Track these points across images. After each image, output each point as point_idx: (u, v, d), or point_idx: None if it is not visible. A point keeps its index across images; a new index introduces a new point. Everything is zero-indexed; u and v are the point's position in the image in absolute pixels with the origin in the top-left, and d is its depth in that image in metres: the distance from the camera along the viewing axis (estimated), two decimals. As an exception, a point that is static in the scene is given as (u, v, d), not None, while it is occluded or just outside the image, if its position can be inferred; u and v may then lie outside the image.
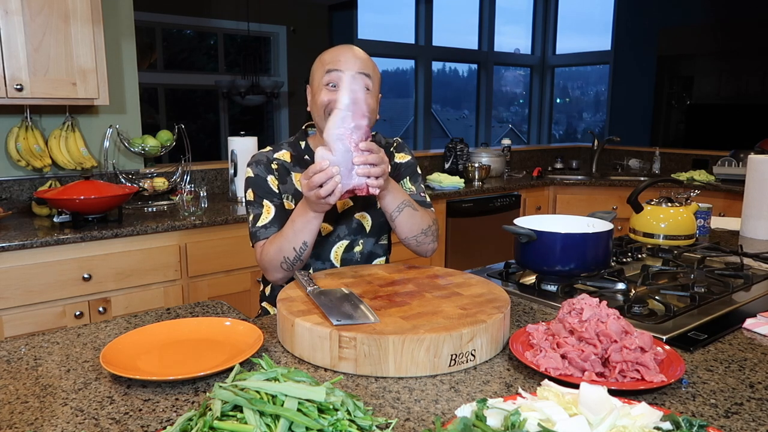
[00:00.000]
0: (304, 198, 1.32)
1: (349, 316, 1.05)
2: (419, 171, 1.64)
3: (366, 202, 1.54)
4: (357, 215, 1.53)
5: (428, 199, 1.61)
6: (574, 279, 1.44)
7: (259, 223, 1.47)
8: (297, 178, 1.50)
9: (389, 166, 1.30)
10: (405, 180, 1.61)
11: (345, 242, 1.53)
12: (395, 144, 1.64)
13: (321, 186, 1.22)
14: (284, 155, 1.54)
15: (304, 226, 1.35)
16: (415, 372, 0.99)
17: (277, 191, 1.50)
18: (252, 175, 1.51)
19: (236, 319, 1.19)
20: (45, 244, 2.15)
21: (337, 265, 1.53)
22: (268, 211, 1.48)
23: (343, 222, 1.52)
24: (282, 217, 1.47)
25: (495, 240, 3.63)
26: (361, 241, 1.54)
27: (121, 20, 2.86)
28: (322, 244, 1.51)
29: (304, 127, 1.60)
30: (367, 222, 1.55)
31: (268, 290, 1.63)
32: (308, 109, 1.50)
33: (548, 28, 8.24)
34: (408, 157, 1.62)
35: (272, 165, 1.51)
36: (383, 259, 1.62)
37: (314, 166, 1.22)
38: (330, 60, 1.42)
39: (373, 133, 1.63)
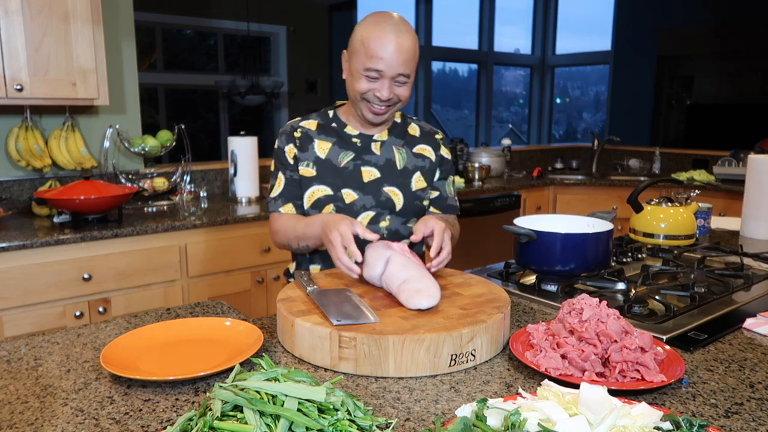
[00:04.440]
0: (327, 221, 1.33)
1: (349, 316, 1.05)
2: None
3: (401, 180, 1.54)
4: (387, 189, 1.53)
5: (457, 203, 1.67)
6: (574, 279, 1.44)
7: (271, 194, 1.56)
8: (320, 146, 1.53)
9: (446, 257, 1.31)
10: (449, 182, 1.64)
11: (371, 213, 1.52)
12: (441, 137, 1.65)
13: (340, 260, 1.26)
14: (311, 124, 1.57)
15: (312, 238, 1.43)
16: (415, 372, 0.99)
17: (291, 162, 1.53)
18: (276, 147, 1.58)
19: (236, 319, 1.19)
20: (45, 244, 2.15)
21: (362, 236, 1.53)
22: (279, 184, 1.55)
23: (370, 193, 1.52)
24: (290, 189, 1.54)
25: (495, 240, 3.63)
26: (388, 217, 1.54)
27: (121, 20, 2.86)
28: (346, 211, 1.51)
29: (337, 103, 1.62)
30: (399, 200, 1.54)
31: (292, 267, 1.67)
32: (344, 76, 1.49)
33: (548, 28, 8.23)
34: (450, 154, 1.65)
35: (295, 133, 1.55)
36: (408, 242, 1.59)
37: (344, 251, 1.25)
38: (375, 50, 1.37)
39: (414, 117, 1.66)
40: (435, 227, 1.31)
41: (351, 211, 1.51)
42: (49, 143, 2.66)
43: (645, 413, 0.75)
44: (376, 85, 1.41)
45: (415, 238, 1.31)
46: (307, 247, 1.49)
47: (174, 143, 2.97)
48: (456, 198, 1.67)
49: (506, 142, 4.45)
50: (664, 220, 1.89)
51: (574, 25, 8.29)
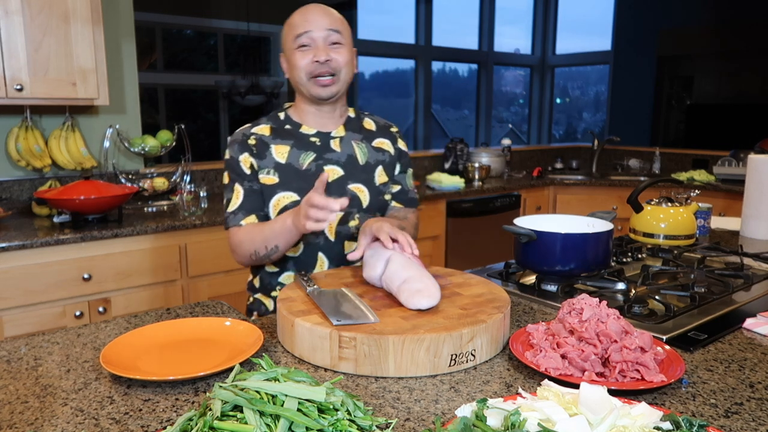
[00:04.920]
0: (294, 210, 1.32)
1: (349, 317, 1.05)
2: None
3: (364, 176, 1.52)
4: (353, 187, 1.51)
5: (417, 196, 1.67)
6: (574, 279, 1.44)
7: (229, 209, 1.48)
8: (278, 150, 1.48)
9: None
10: (408, 175, 1.64)
11: (339, 214, 1.49)
12: (396, 130, 1.65)
13: (314, 217, 1.22)
14: (263, 129, 1.51)
15: (282, 234, 1.37)
16: (415, 372, 0.99)
17: (248, 172, 1.47)
18: (228, 158, 1.50)
19: (236, 319, 1.19)
20: (45, 244, 2.15)
21: (331, 237, 1.50)
22: (237, 196, 1.47)
23: (335, 192, 1.49)
24: (250, 201, 1.47)
25: (495, 240, 3.63)
26: (357, 215, 1.52)
27: (121, 20, 2.86)
28: None
29: (285, 106, 1.59)
30: (365, 196, 1.52)
31: (257, 282, 1.60)
32: (286, 76, 1.49)
33: (548, 28, 8.23)
34: (406, 147, 1.65)
35: (249, 141, 1.48)
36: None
37: (321, 200, 1.19)
38: (299, 22, 1.42)
39: (366, 112, 1.64)
40: (373, 229, 1.29)
41: None
42: (49, 143, 2.66)
43: (645, 413, 0.75)
44: (311, 52, 1.41)
45: (355, 255, 1.28)
46: (276, 249, 1.40)
47: (174, 143, 2.97)
48: (415, 191, 1.67)
49: (506, 142, 4.45)
50: (664, 220, 1.89)
51: (574, 25, 8.30)
